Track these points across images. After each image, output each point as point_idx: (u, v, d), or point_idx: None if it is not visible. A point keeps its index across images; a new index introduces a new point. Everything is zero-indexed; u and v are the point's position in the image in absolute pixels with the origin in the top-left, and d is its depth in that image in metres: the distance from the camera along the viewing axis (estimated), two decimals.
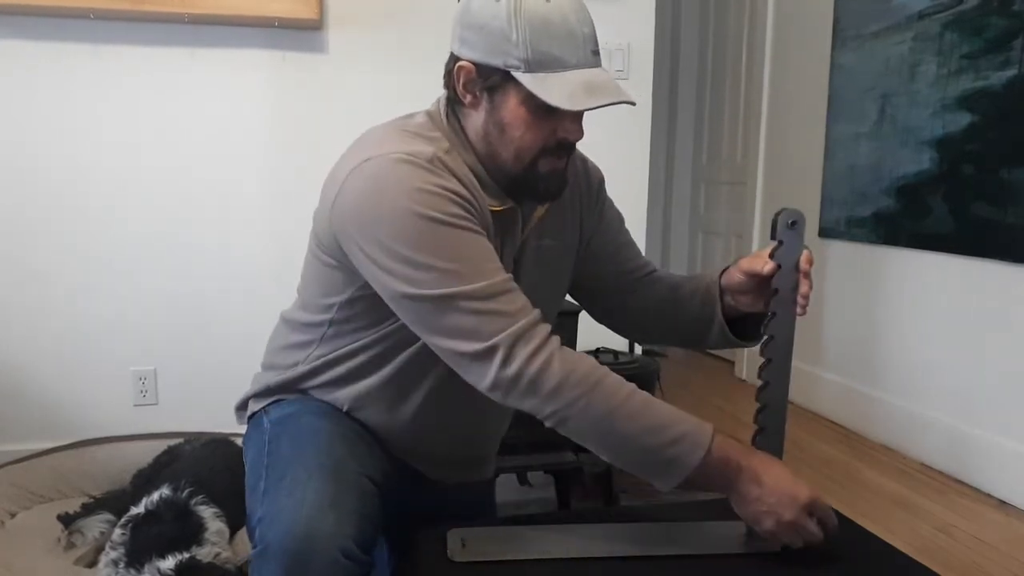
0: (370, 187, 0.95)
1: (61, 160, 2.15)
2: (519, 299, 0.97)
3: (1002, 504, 2.05)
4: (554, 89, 0.94)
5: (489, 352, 0.93)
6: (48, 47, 2.10)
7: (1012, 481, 2.04)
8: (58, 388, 2.22)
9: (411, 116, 1.08)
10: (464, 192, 0.98)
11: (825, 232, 2.81)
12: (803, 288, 1.01)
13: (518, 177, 1.03)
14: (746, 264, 1.06)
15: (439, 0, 2.25)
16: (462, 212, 0.96)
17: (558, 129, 1.00)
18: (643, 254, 1.29)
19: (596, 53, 0.98)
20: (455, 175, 0.99)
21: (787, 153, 3.09)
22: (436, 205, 0.94)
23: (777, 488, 0.96)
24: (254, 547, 0.94)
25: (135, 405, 2.27)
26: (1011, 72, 2.02)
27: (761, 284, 1.05)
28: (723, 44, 3.76)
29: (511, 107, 0.99)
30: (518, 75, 0.95)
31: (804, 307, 1.02)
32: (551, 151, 1.02)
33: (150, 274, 2.23)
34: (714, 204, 3.90)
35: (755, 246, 3.28)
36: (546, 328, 0.97)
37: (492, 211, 1.04)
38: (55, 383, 2.21)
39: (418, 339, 1.02)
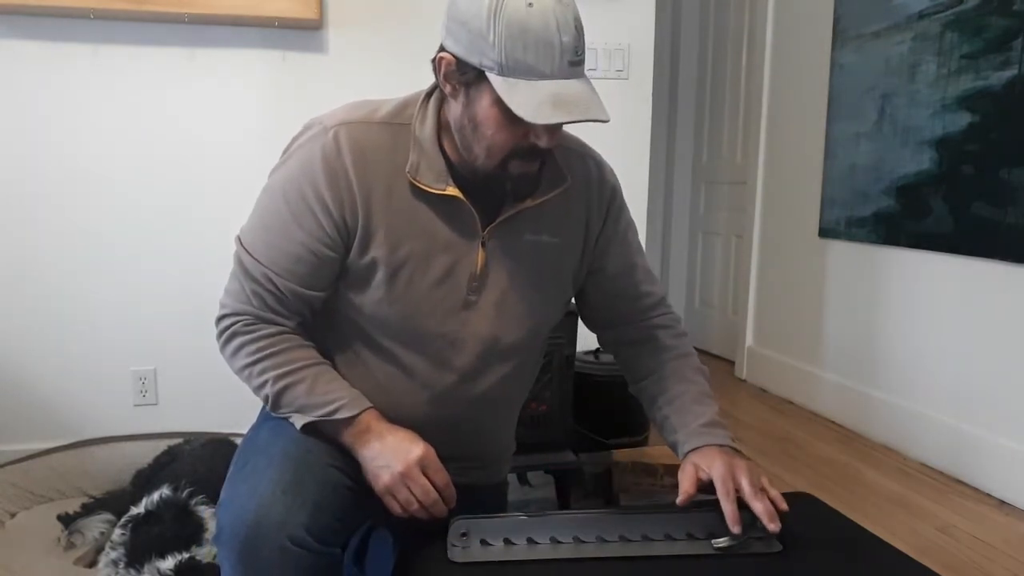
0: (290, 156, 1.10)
1: (60, 160, 2.15)
2: (274, 301, 1.07)
3: (1002, 504, 2.05)
4: (522, 97, 0.93)
5: (221, 319, 1.11)
6: (48, 47, 2.10)
7: (1012, 481, 2.04)
8: (58, 388, 2.22)
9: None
10: (343, 182, 1.03)
11: (825, 232, 2.81)
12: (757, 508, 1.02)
13: (489, 174, 1.04)
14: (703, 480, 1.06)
15: (439, 0, 2.26)
16: (313, 215, 1.04)
17: (530, 134, 0.99)
18: (654, 278, 1.32)
19: (575, 63, 0.95)
20: (374, 146, 1.04)
21: (787, 153, 3.09)
22: (301, 194, 1.04)
23: (392, 445, 1.03)
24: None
25: (135, 405, 2.27)
26: (1011, 72, 2.02)
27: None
28: (723, 44, 3.76)
29: (484, 106, 0.98)
30: (491, 76, 0.95)
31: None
32: (522, 154, 1.02)
33: (150, 274, 2.23)
34: (714, 204, 3.89)
35: (755, 246, 3.28)
36: (270, 329, 1.08)
37: (431, 192, 1.05)
38: (55, 383, 2.21)
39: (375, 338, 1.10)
